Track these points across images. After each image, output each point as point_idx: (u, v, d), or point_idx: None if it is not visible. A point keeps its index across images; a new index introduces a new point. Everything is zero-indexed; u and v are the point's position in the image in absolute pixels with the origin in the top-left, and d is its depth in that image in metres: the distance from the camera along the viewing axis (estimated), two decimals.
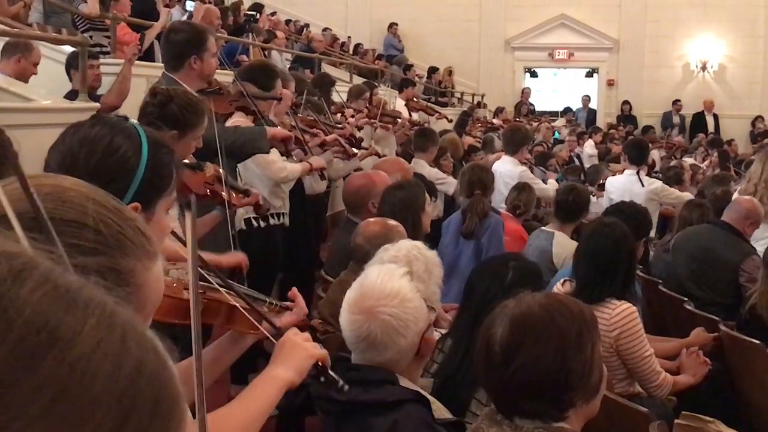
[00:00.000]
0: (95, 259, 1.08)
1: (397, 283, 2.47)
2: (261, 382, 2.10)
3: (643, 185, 7.79)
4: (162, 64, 4.93)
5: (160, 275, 1.24)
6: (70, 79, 6.96)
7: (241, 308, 2.14)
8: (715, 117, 21.37)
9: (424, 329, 2.46)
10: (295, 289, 2.56)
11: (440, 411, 2.43)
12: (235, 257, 3.93)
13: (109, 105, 5.97)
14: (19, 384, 0.59)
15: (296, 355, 2.11)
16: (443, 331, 3.40)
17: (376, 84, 11.88)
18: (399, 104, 11.08)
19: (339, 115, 8.15)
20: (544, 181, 8.54)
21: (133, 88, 6.32)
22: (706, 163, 13.66)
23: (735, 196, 6.50)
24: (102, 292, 0.67)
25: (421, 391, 2.38)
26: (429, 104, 13.59)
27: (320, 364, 2.14)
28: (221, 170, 3.84)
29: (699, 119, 21.33)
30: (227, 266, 3.82)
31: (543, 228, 5.99)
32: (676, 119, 21.44)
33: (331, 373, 2.16)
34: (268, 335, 2.19)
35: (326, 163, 6.01)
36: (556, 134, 16.93)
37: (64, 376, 0.60)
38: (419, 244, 3.52)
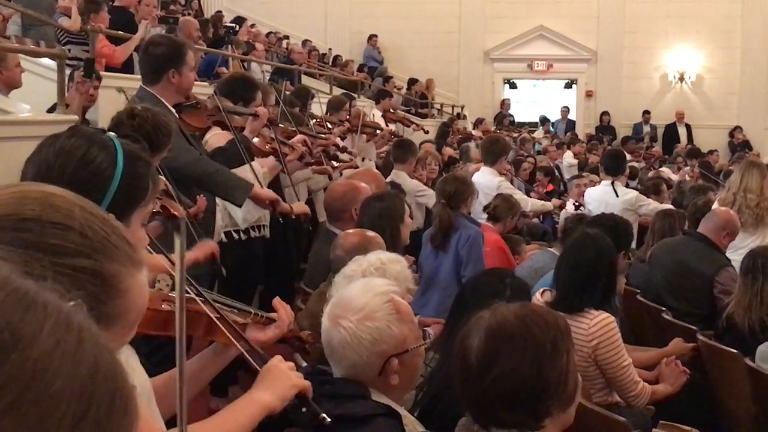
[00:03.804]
0: (80, 261, 1.10)
1: (367, 299, 2.42)
2: (243, 403, 2.12)
3: (617, 196, 7.84)
4: (139, 77, 4.92)
5: (145, 283, 1.25)
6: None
7: (216, 320, 2.14)
8: (688, 127, 21.51)
9: (391, 353, 2.37)
10: (277, 299, 2.55)
11: (412, 425, 2.42)
12: (207, 246, 3.86)
13: None
14: None
15: (280, 383, 2.13)
16: None
17: (355, 96, 11.88)
18: (376, 115, 11.10)
19: (320, 127, 8.13)
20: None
21: (108, 99, 6.24)
22: (684, 173, 13.73)
23: (714, 206, 6.54)
24: (56, 296, 0.70)
25: (394, 405, 2.37)
26: (406, 115, 13.61)
27: (303, 394, 2.16)
28: (168, 184, 3.77)
29: (671, 130, 21.47)
30: (204, 259, 3.78)
31: (550, 249, 5.96)
32: (646, 129, 21.56)
33: (313, 404, 2.17)
34: (243, 351, 2.21)
35: (306, 179, 5.95)
36: (537, 145, 16.98)
37: (27, 372, 0.63)
38: (387, 257, 3.46)
